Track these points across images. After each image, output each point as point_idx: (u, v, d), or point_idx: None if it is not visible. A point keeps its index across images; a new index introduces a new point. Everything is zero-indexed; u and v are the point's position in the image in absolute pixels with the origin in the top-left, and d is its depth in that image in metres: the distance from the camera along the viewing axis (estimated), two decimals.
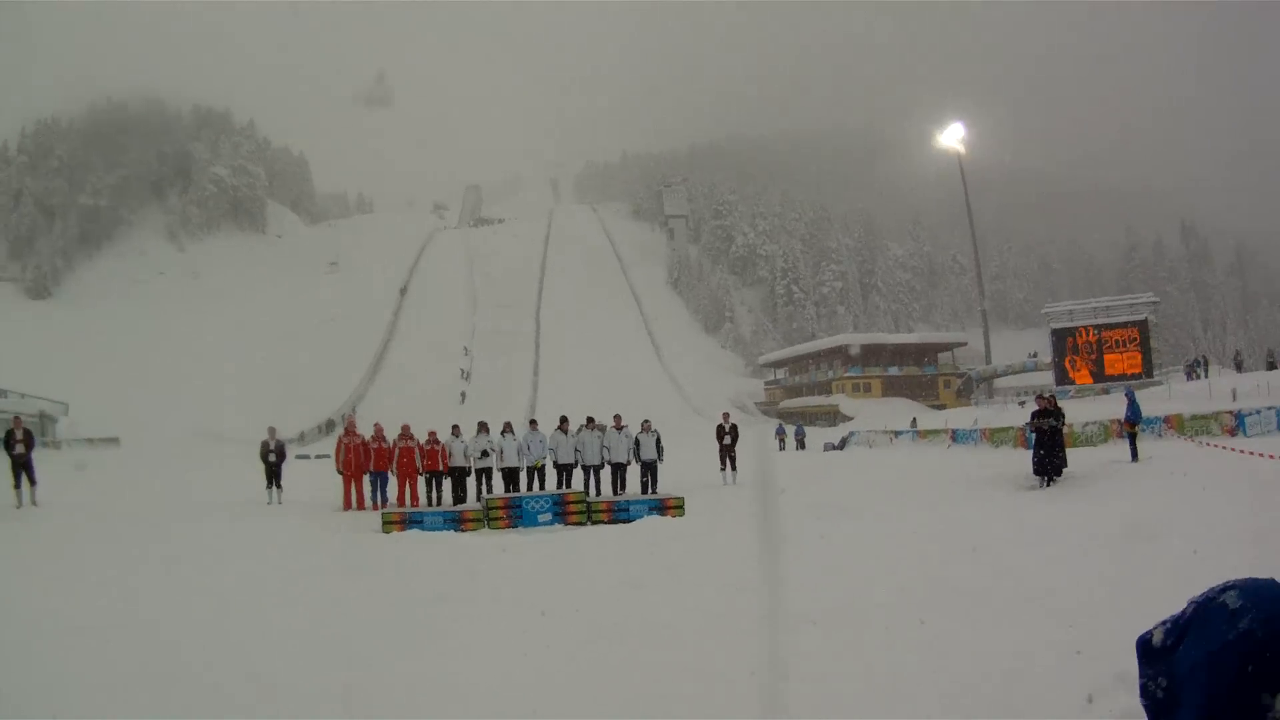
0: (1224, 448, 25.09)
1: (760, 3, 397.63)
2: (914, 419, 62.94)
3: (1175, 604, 2.82)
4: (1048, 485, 21.33)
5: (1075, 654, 7.45)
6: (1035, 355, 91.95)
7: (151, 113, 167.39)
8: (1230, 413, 31.25)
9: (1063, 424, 22.49)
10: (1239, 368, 70.57)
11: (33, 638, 9.26)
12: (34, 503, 22.14)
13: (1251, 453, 22.34)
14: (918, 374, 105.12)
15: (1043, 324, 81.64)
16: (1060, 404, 23.64)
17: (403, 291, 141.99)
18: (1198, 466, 21.77)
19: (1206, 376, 63.07)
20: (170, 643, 9.17)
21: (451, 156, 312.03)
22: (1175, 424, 31.70)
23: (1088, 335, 72.58)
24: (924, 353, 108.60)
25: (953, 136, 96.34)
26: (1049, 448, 21.80)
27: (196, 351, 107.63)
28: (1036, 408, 22.80)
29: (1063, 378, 72.95)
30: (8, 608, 10.78)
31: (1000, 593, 10.09)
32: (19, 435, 22.41)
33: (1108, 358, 71.63)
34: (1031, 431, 22.78)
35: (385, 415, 33.64)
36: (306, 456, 59.28)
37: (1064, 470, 21.75)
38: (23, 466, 22.24)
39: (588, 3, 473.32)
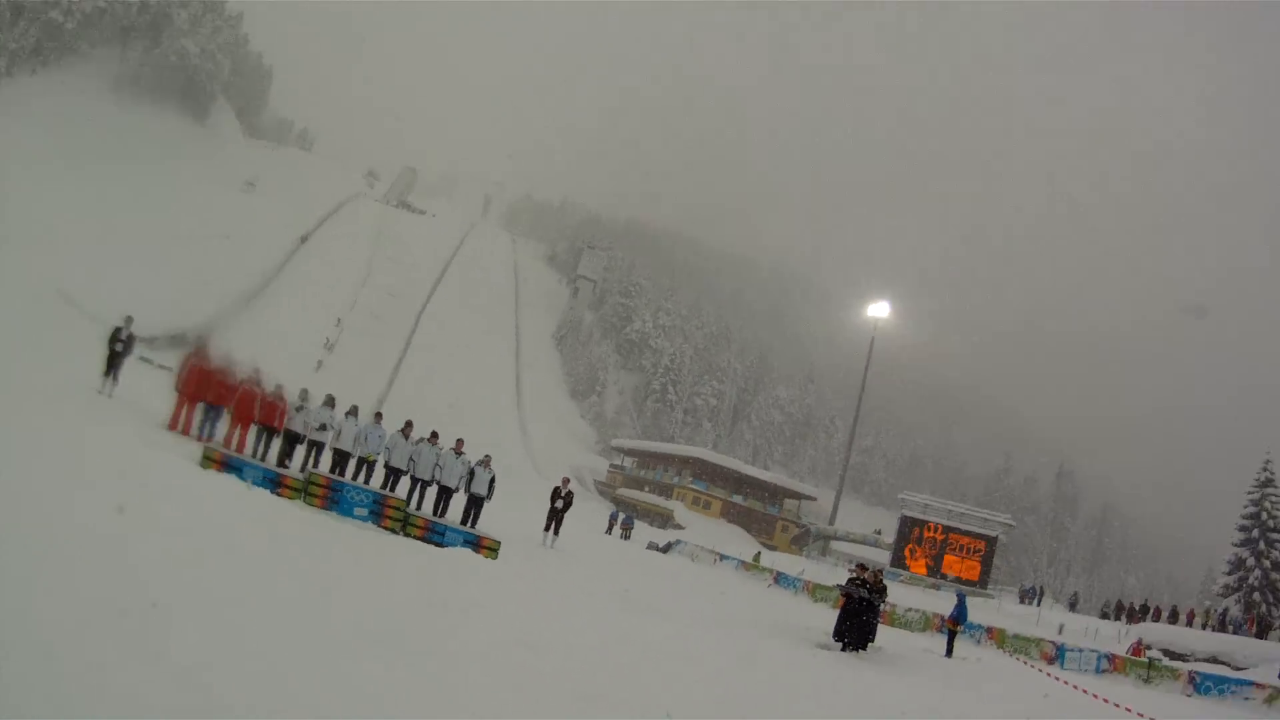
0: (1042, 671, 25.47)
1: (748, 113, 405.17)
2: (759, 552, 63.05)
3: None
4: (847, 651, 20.83)
5: None
6: (880, 532, 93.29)
7: None
8: (1053, 643, 31.84)
9: (881, 601, 21.95)
10: (1072, 607, 72.09)
11: None
12: None
13: (1070, 684, 22.66)
14: (760, 510, 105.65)
15: (895, 507, 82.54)
16: (886, 583, 23.46)
17: (303, 240, 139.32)
18: (1016, 681, 22.05)
19: (1039, 605, 64.45)
20: None
21: (407, 131, 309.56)
22: (997, 636, 32.19)
23: (934, 531, 73.38)
24: (773, 493, 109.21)
25: (876, 310, 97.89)
26: (856, 617, 21.35)
27: (94, 210, 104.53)
28: (853, 574, 22.51)
29: (898, 561, 73.44)
30: None
31: None
32: None
33: (948, 558, 72.32)
34: (842, 595, 22.39)
35: (237, 351, 32.79)
36: (149, 361, 57.84)
37: (870, 644, 21.30)
38: None
39: (586, 45, 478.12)
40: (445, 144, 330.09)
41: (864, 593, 21.44)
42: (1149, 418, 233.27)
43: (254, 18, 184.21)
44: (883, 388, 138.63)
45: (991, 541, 72.87)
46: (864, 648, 21.17)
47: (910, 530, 74.50)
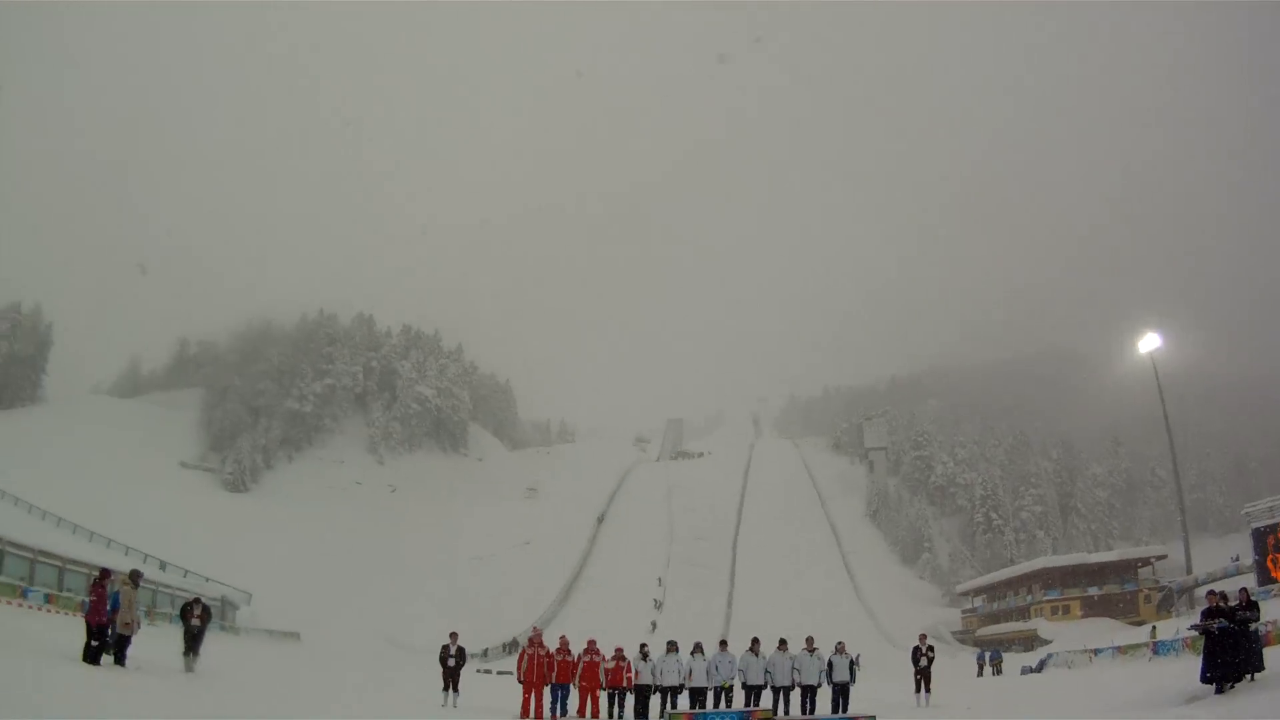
0: None
1: (948, 240, 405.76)
2: (1154, 627, 60.47)
3: None
4: (1228, 689, 18.72)
5: None
6: (1237, 559, 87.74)
7: (360, 328, 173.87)
8: None
9: (1250, 619, 19.37)
10: None
11: None
12: (191, 670, 23.35)
13: None
14: (1117, 591, 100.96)
15: (1244, 527, 77.76)
16: (1257, 601, 21.39)
17: (600, 520, 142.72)
18: None
19: None
20: None
21: (656, 390, 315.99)
22: None
23: None
24: (1123, 569, 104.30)
25: (1148, 347, 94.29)
26: (1224, 650, 19.01)
27: (387, 563, 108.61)
28: (1207, 605, 20.07)
29: (1265, 577, 67.36)
30: None
31: None
32: (196, 611, 24.13)
33: None
34: (1200, 635, 20.44)
35: (574, 636, 33.40)
36: (488, 671, 58.90)
37: (1256, 672, 18.97)
38: (194, 638, 23.80)
39: (790, 247, 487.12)
40: (696, 385, 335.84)
41: (1222, 622, 19.19)
42: None
43: (475, 343, 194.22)
44: (1186, 415, 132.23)
45: None
46: (1239, 680, 18.93)
47: (1265, 540, 68.84)
